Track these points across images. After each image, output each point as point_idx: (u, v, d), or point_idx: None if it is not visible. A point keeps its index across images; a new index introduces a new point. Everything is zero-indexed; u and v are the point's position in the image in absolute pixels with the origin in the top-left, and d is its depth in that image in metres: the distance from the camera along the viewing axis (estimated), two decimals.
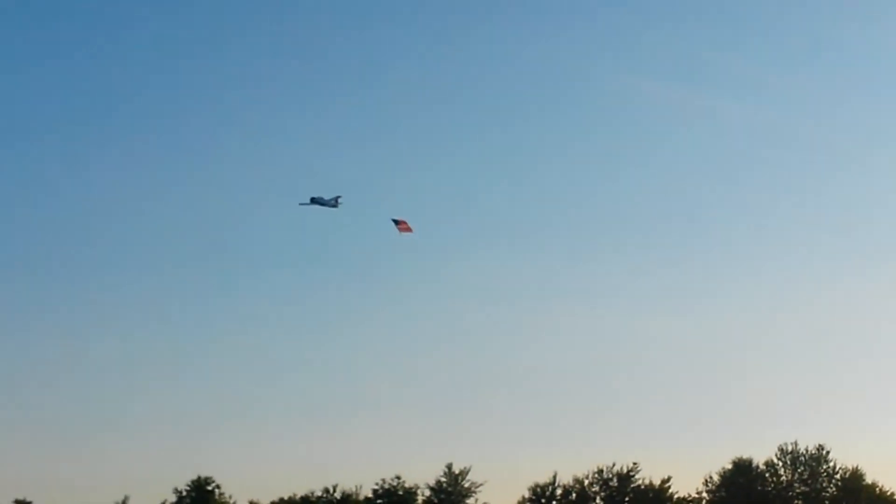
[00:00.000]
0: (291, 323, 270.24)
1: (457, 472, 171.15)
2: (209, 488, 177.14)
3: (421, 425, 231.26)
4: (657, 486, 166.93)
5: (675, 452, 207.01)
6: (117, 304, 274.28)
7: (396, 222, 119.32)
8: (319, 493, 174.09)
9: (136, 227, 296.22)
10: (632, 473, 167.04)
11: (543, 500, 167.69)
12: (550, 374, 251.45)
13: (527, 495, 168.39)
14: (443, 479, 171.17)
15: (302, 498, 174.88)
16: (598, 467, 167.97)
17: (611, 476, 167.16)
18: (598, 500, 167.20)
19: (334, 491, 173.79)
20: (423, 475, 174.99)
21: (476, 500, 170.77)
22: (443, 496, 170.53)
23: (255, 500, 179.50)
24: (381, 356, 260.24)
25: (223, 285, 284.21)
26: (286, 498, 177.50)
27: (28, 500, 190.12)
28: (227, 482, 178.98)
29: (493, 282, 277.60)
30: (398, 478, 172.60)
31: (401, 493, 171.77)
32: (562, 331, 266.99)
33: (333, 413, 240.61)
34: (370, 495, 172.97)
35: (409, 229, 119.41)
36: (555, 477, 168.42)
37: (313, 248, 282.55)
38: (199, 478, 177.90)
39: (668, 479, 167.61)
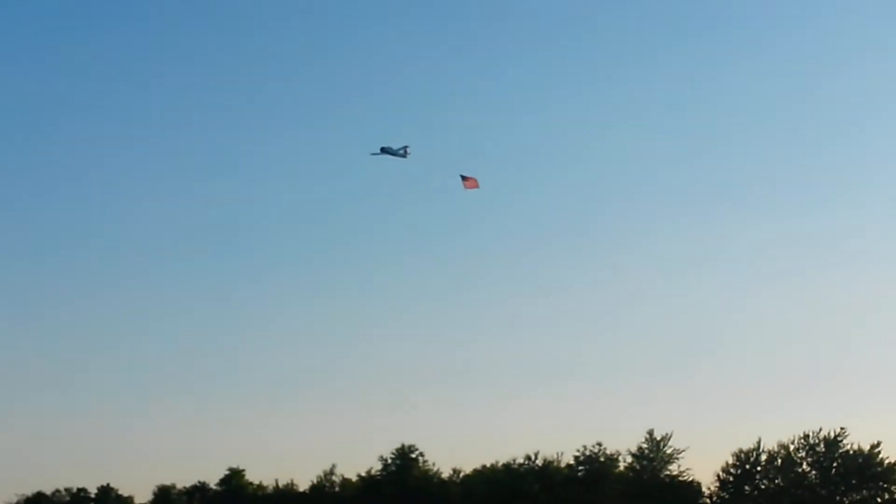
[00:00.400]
0: (486, 289, 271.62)
1: (658, 438, 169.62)
2: (413, 456, 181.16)
3: (622, 391, 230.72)
4: (866, 452, 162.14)
5: (885, 417, 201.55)
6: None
7: (464, 178, 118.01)
8: (521, 461, 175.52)
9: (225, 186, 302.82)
10: (839, 438, 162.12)
11: (748, 466, 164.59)
12: (752, 338, 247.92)
13: (730, 461, 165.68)
14: (644, 446, 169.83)
15: (504, 465, 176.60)
16: (803, 432, 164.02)
17: (817, 441, 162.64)
18: (804, 466, 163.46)
19: (536, 458, 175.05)
20: (624, 442, 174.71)
21: (678, 466, 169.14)
22: (644, 462, 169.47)
23: (457, 467, 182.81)
24: (577, 320, 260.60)
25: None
26: (488, 465, 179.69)
27: (241, 468, 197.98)
28: (430, 450, 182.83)
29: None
30: (599, 444, 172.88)
31: (602, 459, 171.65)
32: (765, 294, 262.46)
33: (534, 379, 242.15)
34: (571, 462, 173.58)
35: (475, 185, 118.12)
36: (759, 442, 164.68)
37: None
38: (403, 446, 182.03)
39: (878, 445, 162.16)
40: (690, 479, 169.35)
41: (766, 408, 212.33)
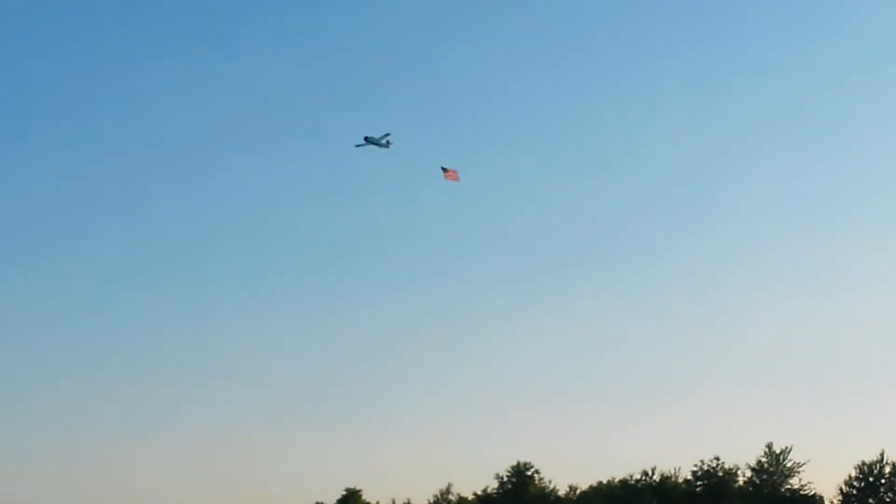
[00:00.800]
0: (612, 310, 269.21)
1: (778, 451, 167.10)
2: (529, 473, 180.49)
3: (739, 404, 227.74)
4: None
5: None
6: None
7: (445, 170, 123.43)
8: (638, 476, 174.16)
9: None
10: None
11: (871, 479, 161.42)
12: (872, 348, 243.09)
13: (853, 474, 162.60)
14: (763, 459, 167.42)
15: (620, 481, 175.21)
16: None
17: None
18: None
19: (652, 474, 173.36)
20: (742, 455, 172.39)
21: (800, 479, 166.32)
22: (764, 477, 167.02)
23: (574, 483, 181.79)
24: (688, 335, 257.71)
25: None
26: (605, 481, 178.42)
27: (358, 488, 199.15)
28: (546, 467, 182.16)
29: None
30: (717, 459, 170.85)
31: (720, 474, 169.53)
32: (882, 303, 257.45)
33: (651, 393, 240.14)
34: (689, 477, 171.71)
35: (455, 178, 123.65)
36: (882, 454, 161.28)
37: None
38: (518, 463, 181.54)
39: None
40: (812, 492, 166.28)
41: (890, 418, 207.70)
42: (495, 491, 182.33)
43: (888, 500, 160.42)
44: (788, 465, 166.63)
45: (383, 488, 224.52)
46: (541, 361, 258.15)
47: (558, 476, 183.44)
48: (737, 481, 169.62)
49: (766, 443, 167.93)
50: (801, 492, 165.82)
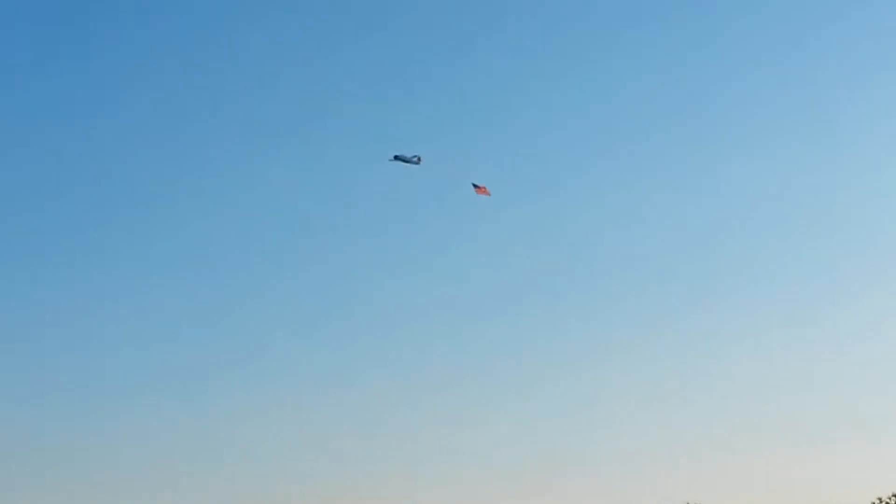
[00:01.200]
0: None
1: None
2: None
3: None
4: None
5: None
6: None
7: (476, 186, 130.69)
8: None
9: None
10: None
11: None
12: None
13: None
14: None
15: None
16: None
17: None
18: None
19: None
20: None
21: None
22: None
23: None
24: (862, 364, 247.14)
25: None
26: None
27: None
28: None
29: None
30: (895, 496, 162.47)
31: None
32: None
33: (828, 431, 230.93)
34: None
35: (486, 192, 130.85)
36: None
37: None
38: None
39: None
40: None
41: None
42: None
43: None
44: None
45: None
46: (700, 400, 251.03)
47: None
48: None
49: None
50: None
